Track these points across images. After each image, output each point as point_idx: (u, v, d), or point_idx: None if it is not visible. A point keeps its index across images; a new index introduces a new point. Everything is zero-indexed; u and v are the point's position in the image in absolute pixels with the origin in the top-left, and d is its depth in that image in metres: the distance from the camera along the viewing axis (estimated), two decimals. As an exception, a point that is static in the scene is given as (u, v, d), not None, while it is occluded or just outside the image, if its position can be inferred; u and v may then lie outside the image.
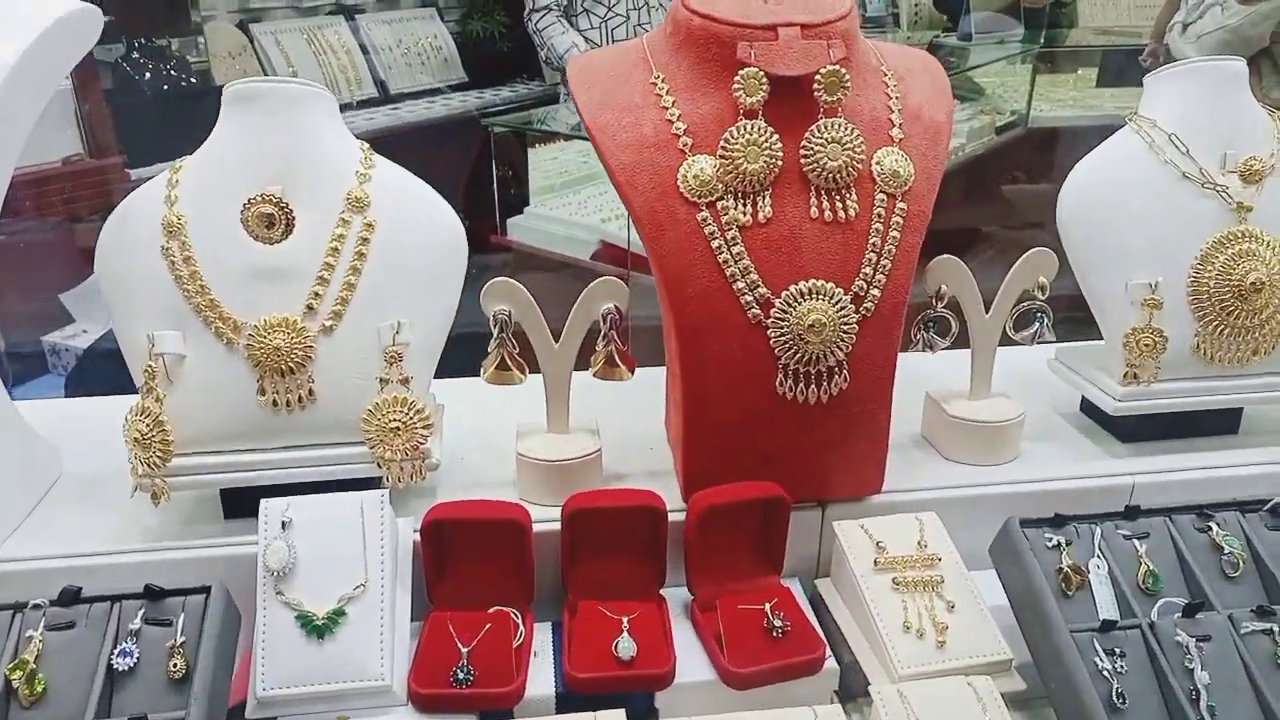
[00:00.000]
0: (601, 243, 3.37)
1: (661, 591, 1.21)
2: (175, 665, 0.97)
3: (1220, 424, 1.42)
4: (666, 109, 1.19)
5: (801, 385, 1.18)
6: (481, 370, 1.24)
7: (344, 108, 3.27)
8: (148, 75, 3.58)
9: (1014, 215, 4.43)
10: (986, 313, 1.33)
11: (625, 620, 1.13)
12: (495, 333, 1.22)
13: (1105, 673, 1.03)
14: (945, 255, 1.30)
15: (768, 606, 1.15)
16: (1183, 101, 1.35)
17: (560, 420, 1.28)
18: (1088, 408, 1.47)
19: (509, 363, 1.23)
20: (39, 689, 0.96)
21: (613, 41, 4.07)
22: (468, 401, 1.38)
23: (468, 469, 1.34)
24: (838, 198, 1.17)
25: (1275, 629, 1.07)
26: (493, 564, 1.17)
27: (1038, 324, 1.35)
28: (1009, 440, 1.36)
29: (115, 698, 0.97)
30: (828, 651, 1.14)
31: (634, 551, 1.19)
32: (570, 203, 3.72)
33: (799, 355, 1.16)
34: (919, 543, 1.20)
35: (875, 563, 1.18)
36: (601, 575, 1.19)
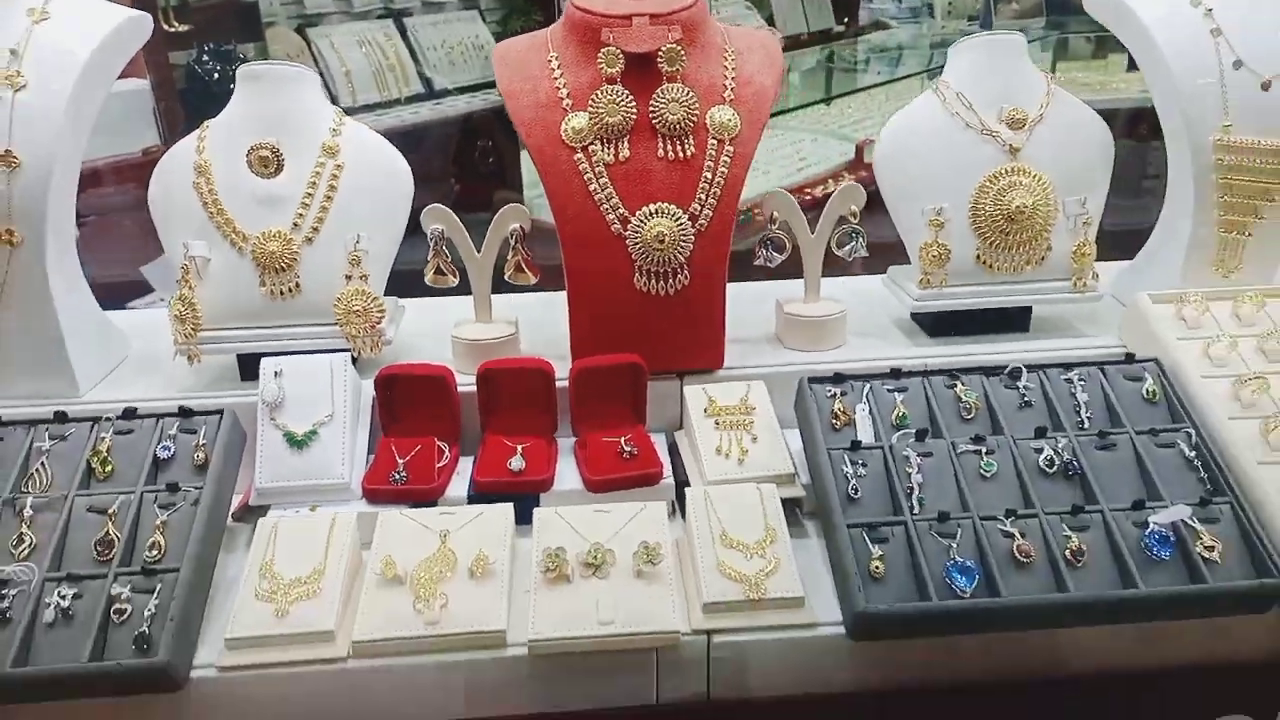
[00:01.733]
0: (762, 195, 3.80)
1: (556, 436, 1.64)
2: (198, 457, 1.44)
3: (1015, 324, 1.80)
4: (556, 79, 1.62)
5: (653, 281, 1.60)
6: (425, 275, 1.69)
7: (392, 103, 3.77)
8: (216, 75, 4.08)
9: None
10: (812, 234, 1.73)
11: (520, 448, 1.57)
12: (431, 245, 1.66)
13: (848, 475, 1.43)
14: (777, 189, 1.71)
15: (623, 439, 1.57)
16: (972, 67, 1.73)
17: (484, 312, 1.73)
18: (916, 315, 1.86)
19: (443, 269, 1.68)
20: (108, 470, 1.43)
21: None
22: (432, 311, 1.83)
23: (420, 350, 1.78)
24: (679, 142, 1.59)
25: (983, 450, 1.46)
26: (428, 409, 1.61)
27: (853, 242, 1.74)
28: (831, 332, 1.76)
29: (159, 475, 1.44)
30: (666, 470, 1.56)
31: (534, 403, 1.62)
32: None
33: (650, 258, 1.58)
34: (743, 399, 1.61)
35: (705, 410, 1.59)
36: (508, 420, 1.62)
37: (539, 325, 1.78)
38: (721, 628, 1.32)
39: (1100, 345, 1.74)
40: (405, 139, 3.52)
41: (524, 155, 4.21)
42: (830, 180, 4.11)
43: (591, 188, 1.58)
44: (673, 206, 1.58)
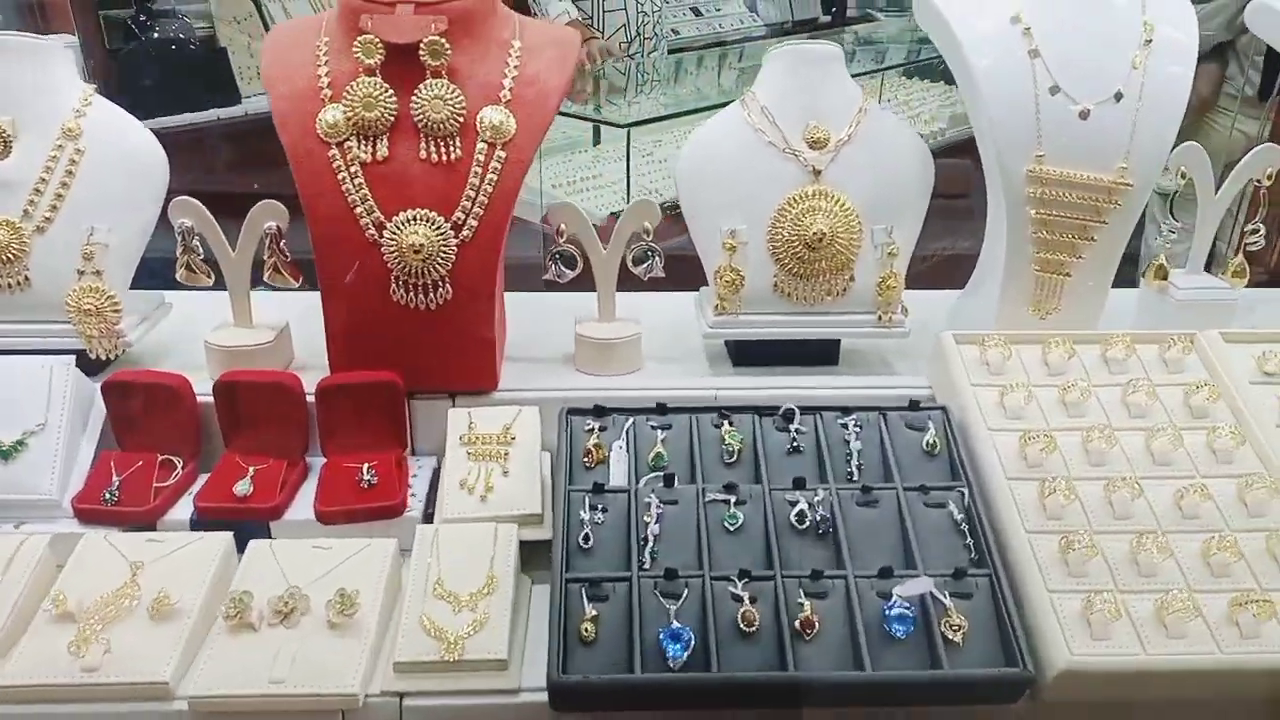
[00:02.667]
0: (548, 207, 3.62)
1: (309, 457, 1.52)
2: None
3: (823, 357, 1.68)
4: (319, 67, 1.48)
5: (411, 294, 1.47)
6: (175, 272, 1.56)
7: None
8: (155, 35, 3.89)
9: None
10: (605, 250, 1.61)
11: (252, 470, 1.45)
12: (179, 241, 1.53)
13: (584, 521, 1.32)
14: (563, 201, 1.58)
15: (365, 465, 1.45)
16: (780, 79, 1.60)
17: (243, 316, 1.60)
18: (727, 343, 1.73)
19: (194, 267, 1.54)
20: None
21: (604, 11, 4.29)
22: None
23: (183, 355, 1.65)
24: (444, 144, 1.46)
25: (733, 500, 1.34)
26: (164, 421, 1.48)
27: (649, 260, 1.62)
28: (624, 356, 1.64)
29: None
30: (409, 501, 1.44)
31: (279, 420, 1.50)
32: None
33: (407, 269, 1.46)
34: (506, 427, 1.49)
35: (461, 438, 1.47)
36: (251, 438, 1.50)
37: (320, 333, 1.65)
38: (414, 690, 1.21)
39: (908, 385, 1.63)
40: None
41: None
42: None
43: (345, 188, 1.45)
44: (434, 214, 1.45)
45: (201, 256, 1.55)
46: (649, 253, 1.61)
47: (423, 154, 1.46)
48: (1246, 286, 1.73)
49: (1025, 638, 1.21)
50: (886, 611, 1.23)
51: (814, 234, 1.55)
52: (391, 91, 1.44)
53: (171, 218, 1.53)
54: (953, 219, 1.95)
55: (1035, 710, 1.23)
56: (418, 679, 1.21)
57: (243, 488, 1.42)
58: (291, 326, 1.65)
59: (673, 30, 4.99)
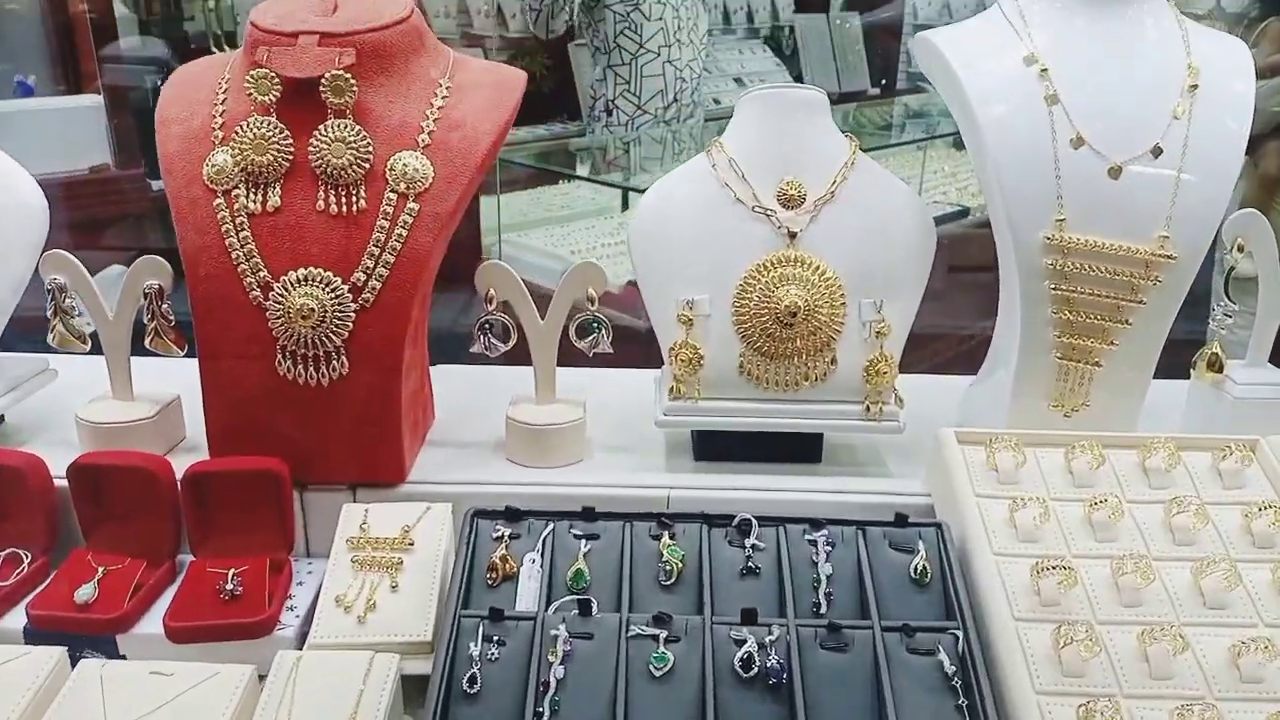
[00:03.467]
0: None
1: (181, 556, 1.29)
2: None
3: (802, 453, 1.41)
4: (215, 106, 1.29)
5: (300, 367, 1.25)
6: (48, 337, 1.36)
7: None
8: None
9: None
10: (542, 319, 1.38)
11: (101, 570, 1.22)
12: (50, 300, 1.33)
13: (473, 658, 1.06)
14: (491, 261, 1.35)
15: (231, 571, 1.21)
16: (754, 127, 1.37)
17: (123, 388, 1.39)
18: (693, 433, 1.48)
19: (69, 331, 1.34)
20: None
21: (642, 77, 4.16)
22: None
23: (60, 428, 1.44)
24: (346, 193, 1.25)
25: (663, 635, 1.07)
26: (10, 506, 1.27)
27: (595, 333, 1.38)
28: (562, 445, 1.39)
29: None
30: (283, 617, 1.20)
31: (144, 512, 1.27)
32: (553, 235, 3.69)
33: (295, 337, 1.23)
34: (406, 529, 1.24)
35: (349, 541, 1.23)
36: (112, 532, 1.27)
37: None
38: None
39: (905, 492, 1.35)
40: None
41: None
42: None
43: (229, 241, 1.24)
44: (328, 273, 1.23)
45: (79, 316, 1.35)
46: (595, 324, 1.38)
47: (320, 204, 1.25)
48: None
49: (1030, 844, 0.92)
50: (845, 798, 0.95)
51: (787, 307, 1.30)
52: (287, 133, 1.24)
53: (42, 274, 1.34)
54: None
55: None
56: None
57: (85, 593, 1.18)
58: (187, 400, 1.44)
59: (714, 100, 4.85)
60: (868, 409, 1.34)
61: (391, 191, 1.25)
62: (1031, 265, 1.28)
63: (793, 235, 1.33)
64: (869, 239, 1.34)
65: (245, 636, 1.17)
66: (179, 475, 1.26)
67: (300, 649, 1.16)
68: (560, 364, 1.43)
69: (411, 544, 1.23)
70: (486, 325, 1.38)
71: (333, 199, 1.24)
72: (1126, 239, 1.25)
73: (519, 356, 1.43)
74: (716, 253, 1.34)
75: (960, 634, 1.08)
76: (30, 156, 1.45)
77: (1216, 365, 1.39)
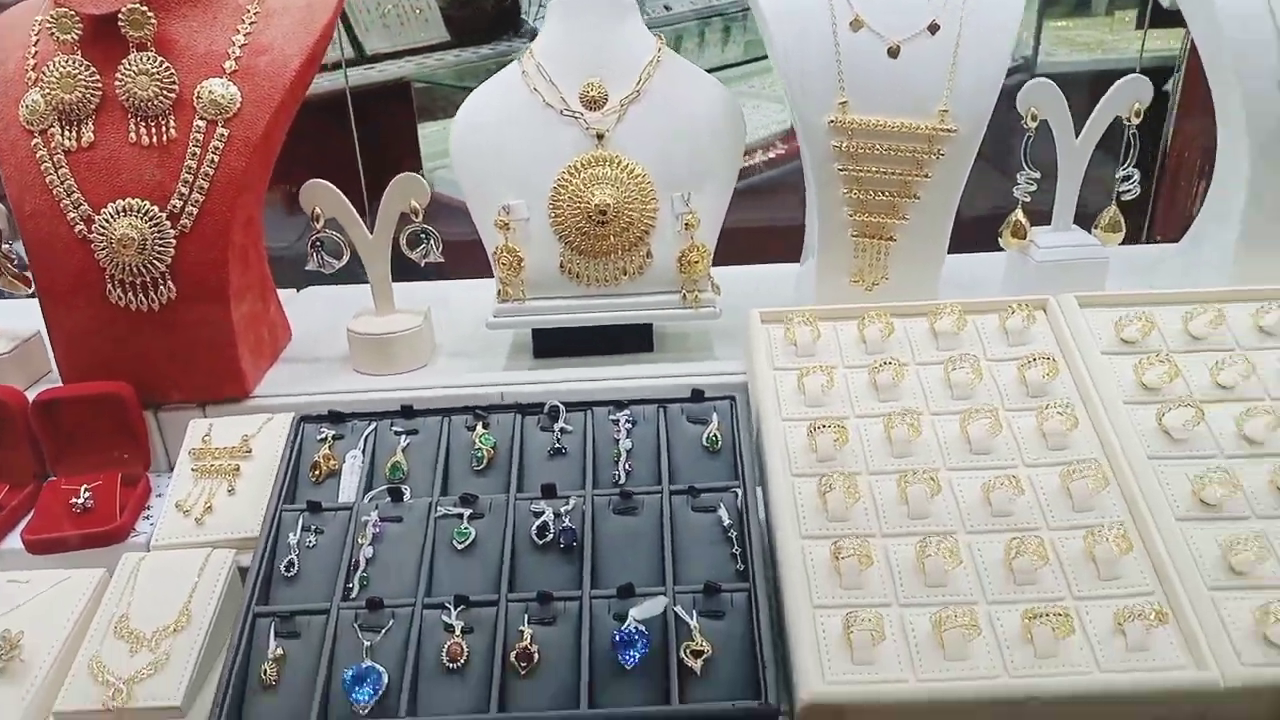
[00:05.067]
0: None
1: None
2: None
3: (634, 344, 1.49)
4: (29, 49, 1.34)
5: (130, 294, 1.32)
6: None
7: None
8: None
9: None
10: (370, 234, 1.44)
11: (-38, 495, 1.31)
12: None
13: (293, 545, 1.15)
14: (314, 180, 1.41)
15: (83, 487, 1.30)
16: (560, 31, 1.41)
17: (-20, 327, 1.46)
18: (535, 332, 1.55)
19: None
20: None
21: None
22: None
23: None
24: (155, 124, 1.30)
25: (466, 514, 1.16)
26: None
27: (424, 244, 1.44)
28: (402, 352, 1.46)
29: None
30: (139, 526, 1.29)
31: (3, 439, 1.35)
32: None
33: (120, 266, 1.30)
34: (245, 439, 1.33)
35: (191, 452, 1.32)
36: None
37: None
38: (77, 742, 1.05)
39: (728, 372, 1.43)
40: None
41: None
42: (761, 151, 3.77)
43: (49, 179, 1.29)
44: (146, 203, 1.29)
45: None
46: (423, 235, 1.44)
47: (132, 137, 1.30)
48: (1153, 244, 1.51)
49: (776, 664, 1.02)
50: (616, 638, 1.05)
51: (597, 206, 1.36)
52: (94, 70, 1.29)
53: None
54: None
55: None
56: (81, 731, 1.06)
57: (-62, 516, 1.28)
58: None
59: (665, 6, 4.74)
60: (684, 298, 1.42)
61: (200, 119, 1.30)
62: (820, 149, 1.34)
63: (600, 136, 1.38)
64: (676, 135, 1.40)
65: (98, 545, 1.26)
66: (33, 404, 1.34)
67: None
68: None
69: (249, 452, 1.31)
70: (318, 243, 1.44)
71: (143, 131, 1.30)
72: (908, 116, 1.31)
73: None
74: (530, 158, 1.40)
75: (740, 492, 1.17)
76: None
77: (1020, 232, 1.46)
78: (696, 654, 1.04)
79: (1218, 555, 1.07)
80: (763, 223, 1.70)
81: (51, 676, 1.10)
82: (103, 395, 1.33)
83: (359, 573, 1.12)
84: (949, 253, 1.55)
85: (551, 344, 1.48)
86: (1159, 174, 2.31)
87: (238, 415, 1.38)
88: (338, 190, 1.41)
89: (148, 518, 1.32)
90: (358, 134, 2.85)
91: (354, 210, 1.42)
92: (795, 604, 1.05)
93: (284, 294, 1.74)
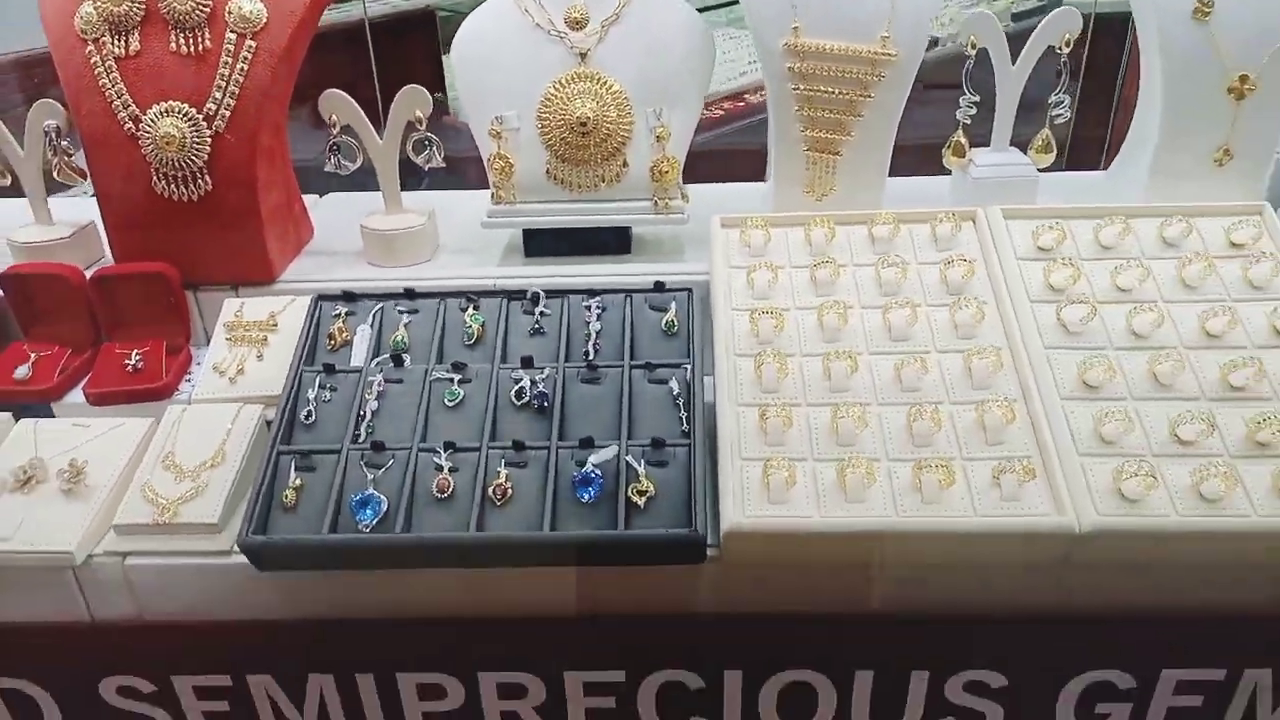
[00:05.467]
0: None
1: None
2: None
3: (614, 246, 1.68)
4: (82, -34, 1.52)
5: (173, 186, 1.52)
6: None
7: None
8: None
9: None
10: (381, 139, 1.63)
11: (34, 356, 1.53)
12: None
13: (311, 399, 1.37)
14: (331, 90, 1.59)
15: (134, 351, 1.52)
16: (550, -41, 1.58)
17: (42, 215, 1.67)
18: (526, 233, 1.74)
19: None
20: None
21: None
22: None
23: None
24: (193, 35, 1.49)
25: (456, 378, 1.37)
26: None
27: (427, 150, 1.63)
28: (409, 247, 1.66)
29: None
30: (182, 387, 1.51)
31: (64, 312, 1.57)
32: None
33: (164, 161, 1.50)
34: (273, 314, 1.54)
35: (226, 324, 1.53)
36: (45, 327, 1.57)
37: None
38: (134, 550, 1.28)
39: (690, 271, 1.61)
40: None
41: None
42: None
43: (102, 83, 1.49)
44: (185, 106, 1.49)
45: (-3, 158, 1.62)
46: (427, 142, 1.62)
47: (173, 46, 1.49)
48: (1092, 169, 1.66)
49: (706, 503, 1.23)
50: (576, 478, 1.26)
51: (579, 118, 1.54)
52: (139, -16, 1.47)
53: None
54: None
55: (721, 571, 1.24)
56: (136, 540, 1.28)
57: (21, 373, 1.50)
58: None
59: None
60: (656, 204, 1.60)
61: (231, 32, 1.49)
62: (776, 70, 1.50)
63: (583, 55, 1.55)
64: (651, 55, 1.56)
65: (147, 399, 1.49)
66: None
67: (192, 409, 1.48)
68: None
69: (275, 325, 1.52)
70: (335, 147, 1.63)
71: (182, 41, 1.49)
72: (853, 41, 1.47)
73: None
74: (521, 73, 1.57)
75: (690, 367, 1.37)
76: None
77: (960, 151, 1.62)
78: (641, 493, 1.25)
79: (1091, 428, 1.26)
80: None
81: (111, 498, 1.33)
82: (149, 274, 1.54)
83: (365, 422, 1.34)
84: (910, 175, 1.74)
85: (540, 244, 1.67)
86: (1116, 107, 2.43)
87: (266, 296, 1.59)
88: (352, 100, 1.59)
89: (189, 381, 1.54)
90: (383, 63, 3.01)
91: (366, 119, 1.60)
92: (726, 456, 1.25)
93: (309, 198, 1.94)
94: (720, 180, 1.90)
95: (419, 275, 1.65)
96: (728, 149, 2.87)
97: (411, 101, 1.59)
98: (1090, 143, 1.71)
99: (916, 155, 1.74)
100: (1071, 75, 1.60)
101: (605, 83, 1.55)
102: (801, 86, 1.49)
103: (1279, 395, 1.28)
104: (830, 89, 1.49)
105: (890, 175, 1.63)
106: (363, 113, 1.60)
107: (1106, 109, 1.69)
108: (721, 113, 2.90)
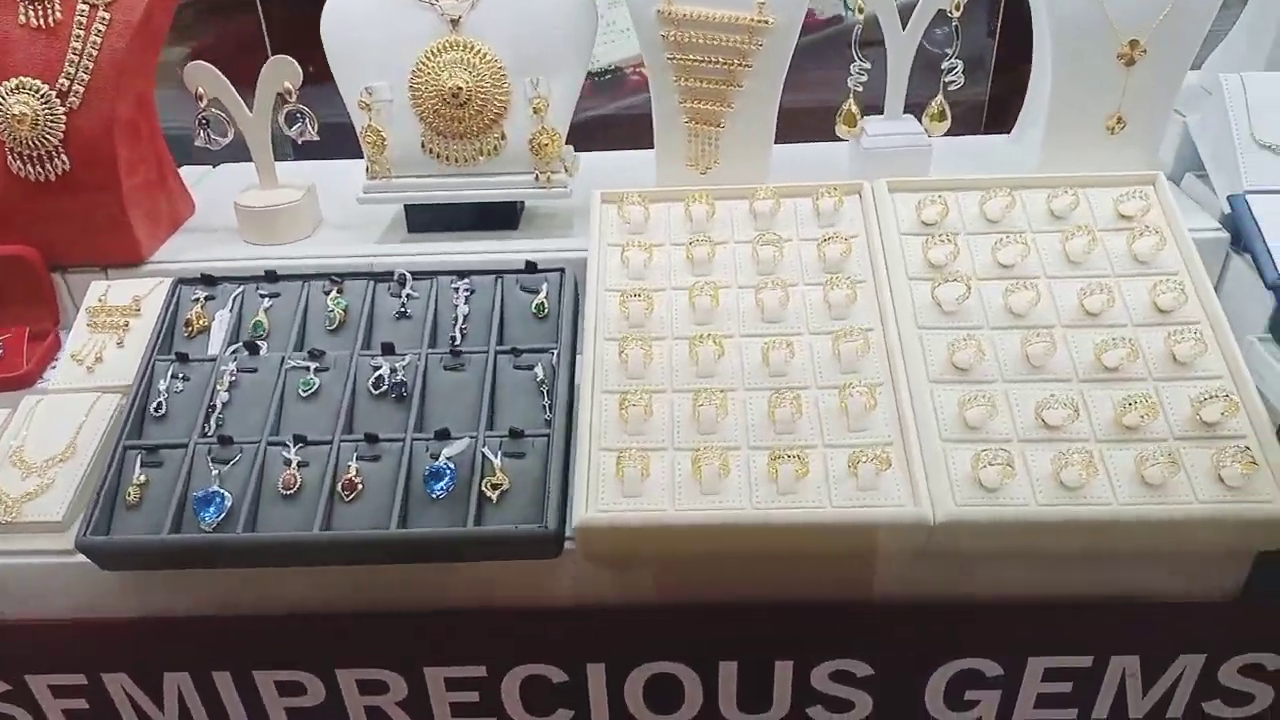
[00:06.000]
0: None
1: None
2: None
3: (501, 221, 1.62)
4: (-79, -68, 1.44)
5: (29, 166, 1.46)
6: None
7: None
8: None
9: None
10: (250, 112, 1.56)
11: (-110, 344, 1.48)
12: None
13: (161, 390, 1.32)
14: (196, 61, 1.52)
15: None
16: (419, -79, 1.50)
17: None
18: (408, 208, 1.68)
19: None
20: None
21: None
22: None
23: None
24: (42, 7, 1.41)
25: (312, 367, 1.33)
26: None
27: (300, 122, 1.56)
28: (283, 224, 1.60)
29: None
30: (47, 375, 1.46)
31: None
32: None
33: (18, 140, 1.44)
34: (137, 299, 1.48)
35: (88, 310, 1.48)
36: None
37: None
38: (-22, 549, 1.25)
39: (576, 248, 1.56)
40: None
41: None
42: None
43: (-53, 59, 1.43)
44: (37, 82, 1.42)
45: None
46: (299, 115, 1.56)
47: (21, 19, 1.42)
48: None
49: (560, 497, 1.19)
50: (427, 471, 1.22)
51: (451, 89, 1.47)
52: (-21, -46, 1.40)
53: None
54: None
55: (578, 565, 1.22)
56: (-21, 540, 1.25)
57: (-126, 360, 1.46)
58: None
59: None
60: (537, 178, 1.54)
61: (83, 3, 1.41)
62: (651, 37, 1.43)
63: (454, 22, 1.48)
64: (526, 22, 1.49)
65: (8, 388, 1.44)
66: (-52, 265, 1.50)
67: (55, 398, 1.43)
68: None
69: (139, 311, 1.47)
70: (204, 121, 1.56)
71: (32, 14, 1.41)
72: (729, 9, 1.40)
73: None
74: (392, 43, 1.50)
75: (556, 353, 1.33)
76: None
77: (851, 120, 1.56)
78: (495, 487, 1.21)
79: (956, 413, 1.22)
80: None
81: (-42, 496, 1.29)
82: (9, 257, 1.49)
83: (215, 414, 1.30)
84: (811, 142, 1.69)
85: (423, 220, 1.62)
86: (992, 69, 2.35)
87: (136, 279, 1.54)
88: (218, 71, 1.52)
89: (54, 368, 1.49)
90: (279, 29, 2.92)
91: (234, 91, 1.54)
92: (583, 447, 1.22)
93: (198, 171, 1.88)
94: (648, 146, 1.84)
95: (295, 254, 1.59)
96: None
97: (279, 72, 1.52)
98: (1013, 105, 1.65)
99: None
100: (990, 36, 1.55)
101: (478, 51, 1.48)
102: (677, 56, 1.43)
103: (1152, 375, 1.25)
104: (708, 58, 1.42)
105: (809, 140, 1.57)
106: (230, 86, 1.53)
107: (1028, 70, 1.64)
108: (640, 76, 2.82)
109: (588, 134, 1.70)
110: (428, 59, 1.49)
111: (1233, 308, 1.32)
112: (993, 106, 2.28)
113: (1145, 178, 1.44)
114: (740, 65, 1.43)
